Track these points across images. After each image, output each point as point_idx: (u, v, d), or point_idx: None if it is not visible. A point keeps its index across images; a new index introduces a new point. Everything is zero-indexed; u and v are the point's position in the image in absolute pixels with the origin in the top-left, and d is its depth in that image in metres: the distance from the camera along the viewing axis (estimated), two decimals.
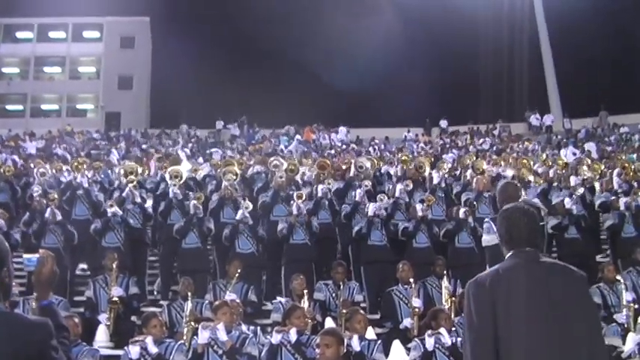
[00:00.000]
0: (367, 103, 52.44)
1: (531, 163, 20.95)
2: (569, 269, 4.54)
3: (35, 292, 4.01)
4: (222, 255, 14.22)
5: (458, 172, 19.76)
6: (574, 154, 31.48)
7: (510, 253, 4.59)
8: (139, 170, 17.32)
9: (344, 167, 18.66)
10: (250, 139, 43.68)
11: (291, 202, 14.51)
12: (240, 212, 13.86)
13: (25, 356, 3.31)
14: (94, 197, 15.58)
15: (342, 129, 46.65)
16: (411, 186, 15.84)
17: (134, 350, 9.16)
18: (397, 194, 15.17)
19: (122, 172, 16.74)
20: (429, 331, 9.58)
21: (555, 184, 17.83)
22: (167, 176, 15.90)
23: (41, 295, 3.94)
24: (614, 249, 15.12)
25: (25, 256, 4.02)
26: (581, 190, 16.01)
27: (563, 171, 19.46)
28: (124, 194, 15.24)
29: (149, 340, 9.27)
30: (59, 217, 14.07)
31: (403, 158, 18.50)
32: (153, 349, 9.21)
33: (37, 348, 3.34)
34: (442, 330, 9.50)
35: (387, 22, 53.06)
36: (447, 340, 9.41)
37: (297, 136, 43.70)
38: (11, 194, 17.58)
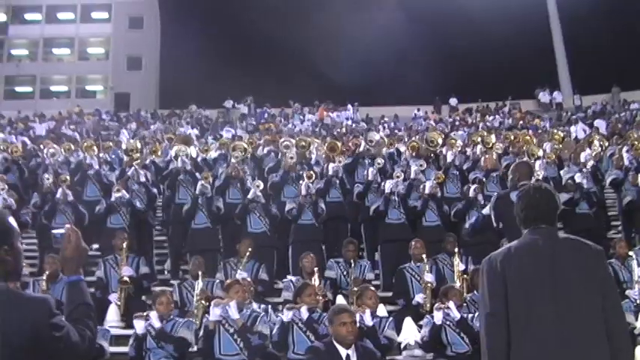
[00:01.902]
0: (376, 82, 52.29)
1: (534, 139, 20.90)
2: (585, 244, 4.53)
3: (63, 268, 3.93)
4: (230, 234, 14.25)
5: (469, 150, 19.67)
6: (584, 130, 31.42)
7: (527, 231, 4.62)
8: (138, 146, 17.27)
9: (353, 147, 18.61)
10: (260, 118, 43.65)
11: (301, 181, 14.50)
12: (252, 191, 13.84)
13: (19, 332, 3.29)
14: (105, 179, 15.61)
15: (350, 107, 46.59)
16: (425, 165, 15.77)
17: (139, 325, 9.26)
18: (413, 175, 15.10)
19: (124, 149, 16.76)
20: (437, 305, 9.60)
21: (550, 158, 17.78)
22: (172, 152, 15.88)
23: (68, 271, 3.84)
24: (631, 225, 15.08)
25: (54, 231, 3.97)
26: (590, 163, 15.95)
27: (559, 145, 19.40)
28: (128, 173, 15.24)
29: (153, 314, 9.36)
30: (70, 198, 14.11)
31: (412, 144, 18.42)
32: (156, 324, 9.27)
33: (30, 324, 3.32)
34: (450, 304, 9.52)
35: (395, 1, 52.94)
36: (455, 314, 9.43)
37: (310, 116, 43.83)
38: (19, 175, 17.61)
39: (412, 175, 15.05)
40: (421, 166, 15.53)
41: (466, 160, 17.27)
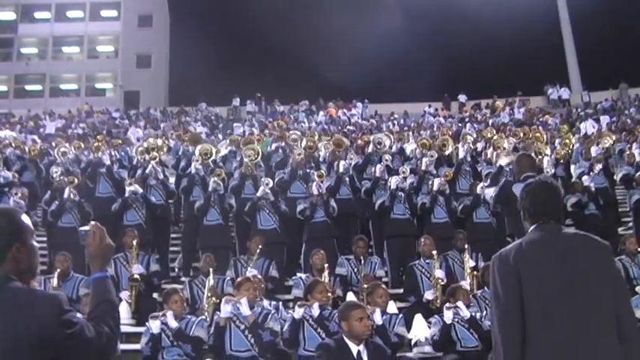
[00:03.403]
0: (385, 79, 52.29)
1: (544, 135, 20.88)
2: (592, 239, 4.53)
3: (90, 265, 3.90)
4: (243, 231, 14.26)
5: (479, 147, 19.61)
6: (593, 126, 31.43)
7: (534, 226, 4.61)
8: (159, 143, 17.26)
9: (362, 143, 18.61)
10: (271, 117, 43.61)
11: (311, 181, 14.54)
12: (261, 189, 13.87)
13: (29, 331, 3.28)
14: (117, 175, 15.60)
15: (359, 104, 46.60)
16: (436, 155, 15.74)
17: (155, 325, 9.23)
18: (424, 167, 15.11)
19: (143, 148, 16.72)
20: (447, 304, 9.61)
21: (562, 160, 17.78)
22: (197, 153, 15.87)
23: (93, 267, 3.83)
24: (639, 223, 15.05)
25: (80, 228, 3.95)
26: (599, 167, 15.90)
27: (569, 150, 19.36)
28: (147, 171, 15.27)
29: (169, 314, 9.35)
30: (76, 198, 14.12)
31: (423, 142, 18.43)
32: (173, 324, 9.27)
33: (41, 322, 3.30)
34: (460, 303, 9.53)
35: None
36: (465, 313, 9.45)
37: (321, 113, 43.88)
38: (36, 173, 17.65)
39: (423, 167, 15.06)
40: (432, 156, 15.52)
41: (478, 155, 17.23)
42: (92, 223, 3.94)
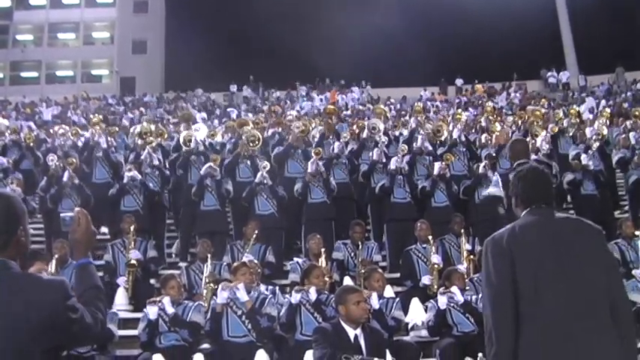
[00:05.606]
0: (382, 63, 52.13)
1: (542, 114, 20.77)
2: (585, 223, 4.56)
3: (72, 251, 3.94)
4: (239, 216, 14.25)
5: (473, 131, 19.53)
6: (589, 111, 31.41)
7: (527, 211, 4.64)
8: (152, 128, 17.11)
9: (356, 129, 18.58)
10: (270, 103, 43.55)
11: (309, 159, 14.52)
12: (259, 174, 13.81)
13: (38, 316, 3.30)
14: (114, 158, 15.56)
15: (356, 89, 46.51)
16: (429, 130, 15.68)
17: (152, 310, 9.22)
18: (419, 143, 15.08)
19: (137, 131, 16.61)
20: (441, 289, 9.63)
21: (570, 134, 17.71)
22: (181, 139, 15.78)
23: (77, 254, 3.86)
24: (634, 205, 15.06)
25: (62, 215, 3.97)
26: (596, 145, 15.84)
27: (577, 119, 19.26)
28: (142, 157, 15.22)
29: (166, 300, 9.33)
30: (76, 181, 14.09)
31: (417, 108, 18.34)
32: (170, 309, 9.27)
33: (49, 308, 3.33)
34: (454, 288, 9.54)
35: None
36: (459, 298, 9.45)
37: (320, 96, 43.78)
38: (34, 161, 17.59)
39: (418, 144, 15.05)
40: (427, 131, 15.51)
41: (472, 143, 17.21)
42: (77, 209, 3.96)
